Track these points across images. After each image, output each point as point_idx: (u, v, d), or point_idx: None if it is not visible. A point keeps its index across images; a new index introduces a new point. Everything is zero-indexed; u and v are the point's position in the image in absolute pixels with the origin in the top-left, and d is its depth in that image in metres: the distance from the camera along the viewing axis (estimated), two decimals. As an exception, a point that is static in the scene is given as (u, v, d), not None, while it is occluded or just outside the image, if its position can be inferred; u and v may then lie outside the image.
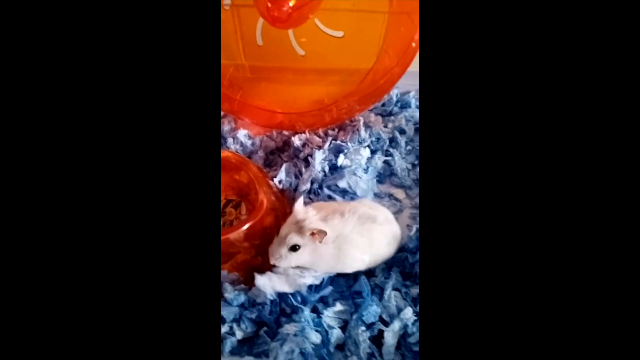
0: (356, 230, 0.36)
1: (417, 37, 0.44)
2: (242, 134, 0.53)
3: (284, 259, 0.34)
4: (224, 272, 0.36)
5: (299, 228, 0.33)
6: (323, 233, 0.33)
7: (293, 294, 0.34)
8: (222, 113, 0.56)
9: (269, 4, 0.39)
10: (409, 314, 0.34)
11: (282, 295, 0.35)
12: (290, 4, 0.40)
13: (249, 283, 0.36)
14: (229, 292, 0.34)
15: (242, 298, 0.34)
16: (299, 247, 0.33)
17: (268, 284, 0.34)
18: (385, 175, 0.50)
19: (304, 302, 0.34)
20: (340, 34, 0.51)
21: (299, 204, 0.35)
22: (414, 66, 0.64)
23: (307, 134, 0.52)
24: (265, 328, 0.33)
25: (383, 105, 0.58)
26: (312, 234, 0.33)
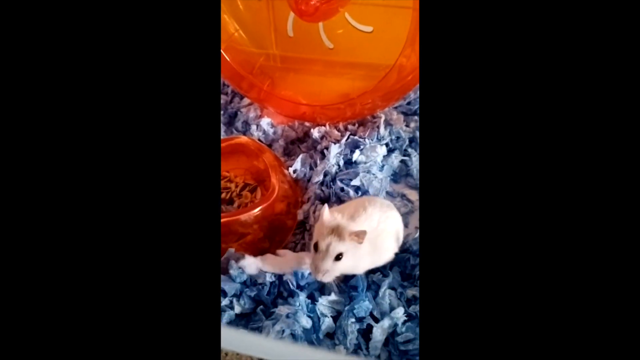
0: (382, 221, 0.37)
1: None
2: (265, 122, 0.55)
3: (330, 271, 0.33)
4: (231, 250, 0.39)
5: (339, 234, 0.33)
6: (363, 233, 0.33)
7: (291, 279, 0.36)
8: (248, 101, 0.58)
9: (298, -2, 0.40)
10: (399, 313, 0.35)
11: (281, 279, 0.37)
12: (318, -2, 0.40)
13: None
14: (234, 269, 0.37)
15: (244, 276, 0.37)
16: (342, 254, 0.33)
17: (253, 264, 0.36)
18: (401, 175, 0.50)
19: (301, 288, 0.36)
20: (369, 29, 0.51)
21: (325, 213, 0.34)
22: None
23: (327, 127, 0.53)
24: (262, 307, 0.36)
25: (408, 103, 0.57)
26: (356, 235, 0.33)
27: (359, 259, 0.35)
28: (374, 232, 0.35)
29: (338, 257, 0.33)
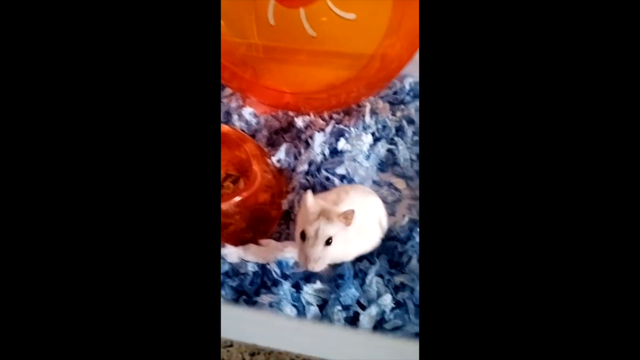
0: (365, 205, 0.36)
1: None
2: (247, 112, 0.54)
3: (322, 258, 0.31)
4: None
5: (327, 217, 0.31)
6: (351, 212, 0.31)
7: (275, 268, 0.35)
8: (230, 91, 0.57)
9: (278, -19, 0.39)
10: (387, 300, 0.34)
11: (264, 268, 0.36)
12: (299, -18, 0.39)
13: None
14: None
15: (226, 267, 0.35)
16: (332, 238, 0.31)
17: (234, 253, 0.35)
18: (388, 164, 0.49)
19: (285, 276, 0.35)
20: (352, 16, 0.50)
21: (309, 199, 0.33)
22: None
23: (312, 116, 0.52)
24: (244, 297, 0.34)
25: (395, 93, 0.56)
26: (345, 217, 0.31)
27: (348, 243, 0.33)
28: (359, 215, 0.33)
29: (328, 242, 0.31)
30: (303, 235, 0.32)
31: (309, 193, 0.33)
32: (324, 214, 0.32)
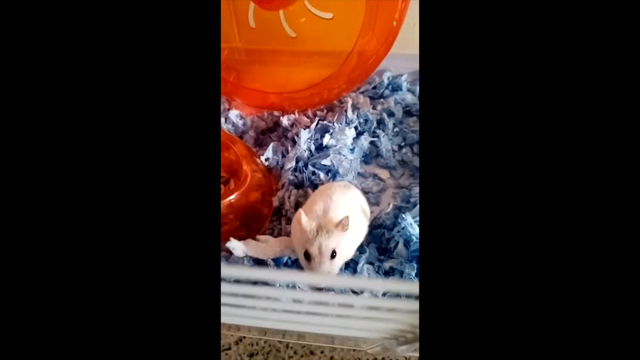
0: (348, 202, 0.37)
1: (397, 16, 0.44)
2: (234, 114, 0.55)
3: (331, 272, 0.33)
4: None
5: (326, 230, 0.32)
6: (346, 219, 0.33)
7: (269, 263, 0.37)
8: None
9: (255, -14, 0.41)
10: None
11: (261, 263, 0.37)
12: (276, -14, 0.41)
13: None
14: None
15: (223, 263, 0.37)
16: (335, 251, 0.33)
17: (239, 247, 0.36)
18: (372, 156, 0.52)
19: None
20: (329, 15, 0.52)
21: (303, 219, 0.33)
22: (406, 49, 0.64)
23: (296, 115, 0.54)
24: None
25: (374, 88, 0.58)
26: (341, 225, 0.33)
27: (348, 246, 0.35)
28: (349, 215, 0.35)
29: (333, 255, 0.33)
30: (307, 256, 0.33)
31: (302, 213, 0.34)
32: (322, 229, 0.33)
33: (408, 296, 0.24)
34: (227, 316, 0.28)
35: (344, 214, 0.34)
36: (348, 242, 0.35)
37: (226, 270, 0.20)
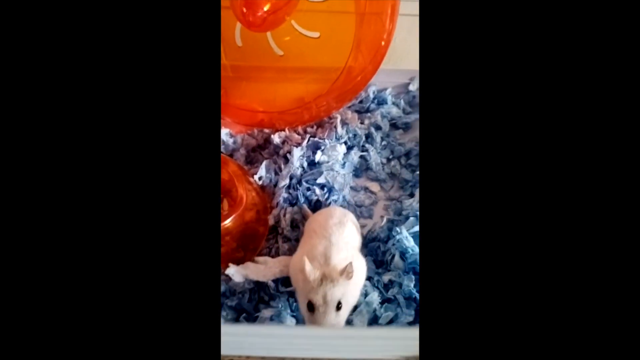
0: (345, 234, 0.36)
1: (386, 36, 0.46)
2: (224, 132, 0.55)
3: (337, 324, 0.31)
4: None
5: (330, 279, 0.31)
6: (350, 266, 0.31)
7: (269, 284, 0.37)
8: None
9: (244, 9, 0.41)
10: (374, 296, 0.37)
11: (261, 285, 0.37)
12: (265, 9, 0.41)
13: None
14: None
15: (223, 287, 0.37)
16: (341, 302, 0.31)
17: (238, 273, 0.36)
18: (362, 169, 0.53)
19: (281, 292, 0.37)
20: (316, 34, 0.53)
21: (308, 267, 0.31)
22: (390, 64, 0.66)
23: (287, 132, 0.54)
24: (244, 314, 0.36)
25: (360, 102, 0.60)
26: (346, 274, 0.31)
27: (354, 294, 0.33)
28: (347, 244, 0.35)
29: (338, 307, 0.31)
30: (311, 306, 0.31)
31: (306, 261, 0.32)
32: (326, 278, 0.31)
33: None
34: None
35: (345, 258, 0.33)
36: (353, 289, 0.33)
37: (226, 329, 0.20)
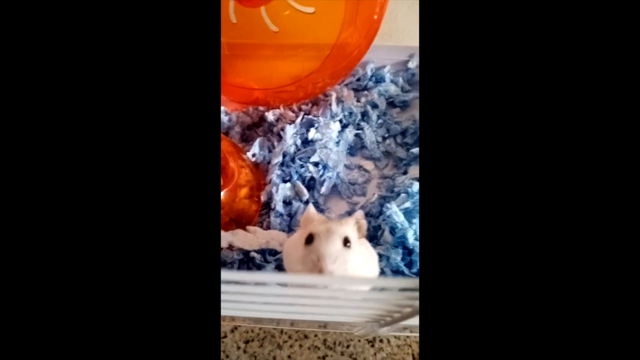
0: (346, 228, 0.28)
1: (378, 10, 0.45)
2: (219, 110, 0.55)
3: (341, 258, 0.24)
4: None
5: (339, 222, 0.26)
6: (364, 223, 0.27)
7: (257, 256, 0.38)
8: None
9: (234, -18, 0.41)
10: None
11: (248, 256, 0.38)
12: (255, -19, 0.41)
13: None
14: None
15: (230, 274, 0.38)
16: (350, 242, 0.25)
17: (224, 238, 0.37)
18: (357, 148, 0.53)
19: (268, 262, 0.38)
20: (311, 10, 0.52)
21: (312, 209, 0.28)
22: (389, 41, 0.64)
23: (282, 109, 0.54)
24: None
25: (358, 80, 0.59)
26: (358, 225, 0.27)
27: (363, 258, 0.27)
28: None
29: (346, 242, 0.24)
30: (310, 239, 0.24)
31: (311, 206, 0.28)
32: (339, 222, 0.26)
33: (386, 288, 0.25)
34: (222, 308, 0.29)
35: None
36: (362, 254, 0.27)
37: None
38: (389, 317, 0.27)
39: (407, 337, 0.44)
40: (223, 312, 0.30)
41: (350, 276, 0.25)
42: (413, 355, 0.44)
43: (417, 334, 0.47)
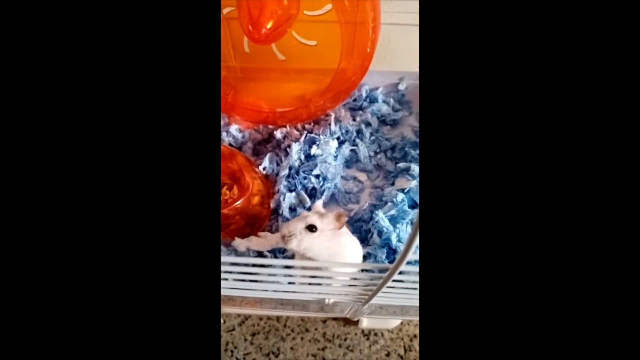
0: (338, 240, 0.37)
1: (369, 44, 0.53)
2: (234, 128, 0.64)
3: (297, 236, 0.31)
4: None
5: (321, 215, 0.31)
6: (344, 217, 0.31)
7: (268, 255, 0.46)
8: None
9: (250, 27, 0.49)
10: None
11: (261, 254, 0.47)
12: (268, 27, 0.49)
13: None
14: (222, 252, 0.46)
15: (232, 257, 0.47)
16: (316, 229, 0.30)
17: (242, 244, 0.46)
18: (352, 161, 0.61)
19: (276, 257, 0.47)
20: (313, 42, 0.60)
21: (318, 203, 0.33)
22: (382, 66, 0.73)
23: (288, 128, 0.63)
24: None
25: (354, 100, 0.68)
26: (338, 218, 0.31)
27: (332, 244, 0.33)
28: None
29: (311, 228, 0.31)
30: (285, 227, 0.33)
31: (319, 201, 0.35)
32: (318, 214, 0.33)
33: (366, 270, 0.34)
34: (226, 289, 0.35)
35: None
36: (337, 245, 0.33)
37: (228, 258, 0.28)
38: (367, 295, 0.36)
39: (400, 330, 0.50)
40: (230, 293, 0.37)
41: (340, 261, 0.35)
42: (404, 347, 0.51)
43: (408, 328, 0.54)
